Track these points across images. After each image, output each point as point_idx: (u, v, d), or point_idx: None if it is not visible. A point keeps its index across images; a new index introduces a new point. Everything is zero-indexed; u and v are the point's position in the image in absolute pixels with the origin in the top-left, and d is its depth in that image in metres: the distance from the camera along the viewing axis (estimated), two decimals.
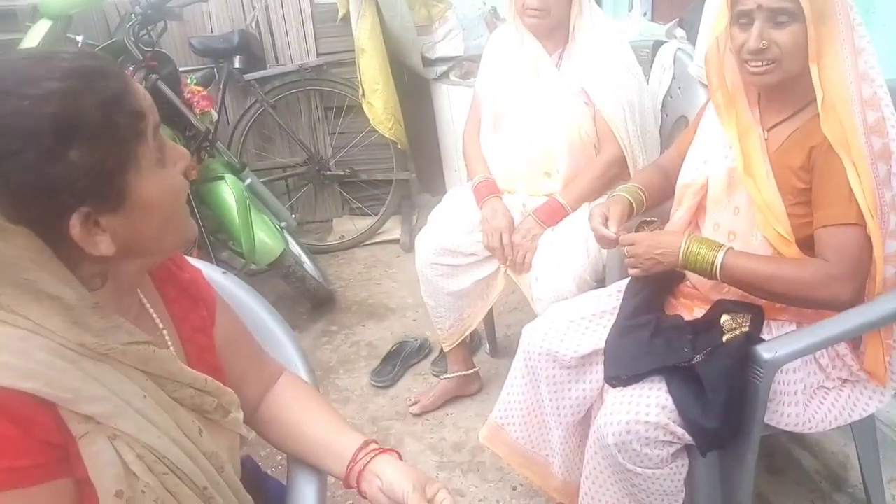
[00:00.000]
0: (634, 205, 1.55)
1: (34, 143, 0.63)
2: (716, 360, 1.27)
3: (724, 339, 1.30)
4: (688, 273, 1.45)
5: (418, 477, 0.87)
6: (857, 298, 1.24)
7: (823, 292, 1.21)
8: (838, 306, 1.24)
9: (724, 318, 1.33)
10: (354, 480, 0.91)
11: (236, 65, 3.02)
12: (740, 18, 1.24)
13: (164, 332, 0.85)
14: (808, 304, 1.28)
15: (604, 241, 1.50)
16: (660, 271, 1.40)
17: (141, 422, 0.72)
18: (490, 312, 2.22)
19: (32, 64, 0.67)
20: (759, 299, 1.33)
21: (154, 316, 0.84)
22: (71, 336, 0.68)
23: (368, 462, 0.90)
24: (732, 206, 1.37)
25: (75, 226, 0.66)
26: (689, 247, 1.32)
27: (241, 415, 0.88)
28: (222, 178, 2.44)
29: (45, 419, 0.66)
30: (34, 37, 2.49)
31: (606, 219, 1.49)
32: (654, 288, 1.47)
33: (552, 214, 1.89)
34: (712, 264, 1.29)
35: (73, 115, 0.64)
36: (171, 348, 0.84)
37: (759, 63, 1.23)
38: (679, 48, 2.12)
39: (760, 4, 1.19)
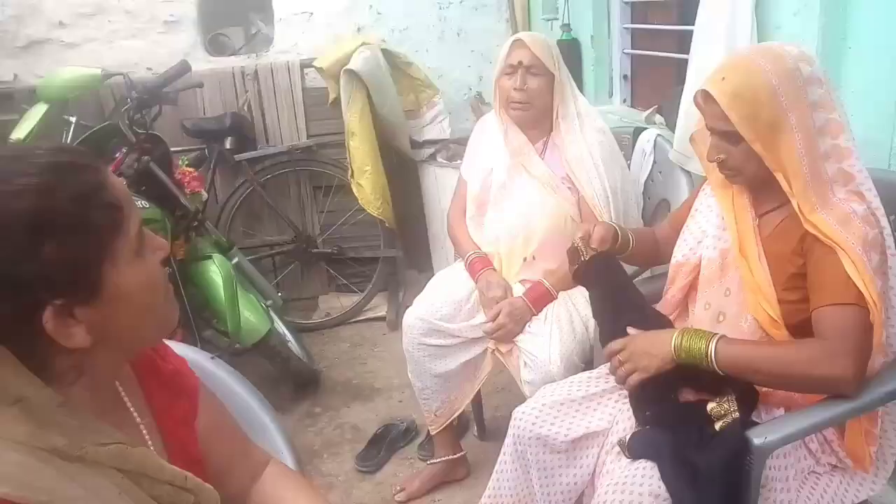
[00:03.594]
0: (620, 237, 1.51)
1: (7, 239, 0.63)
2: (711, 450, 1.25)
3: (718, 426, 1.27)
4: None
5: None
6: (861, 378, 1.20)
7: (824, 369, 1.17)
8: (842, 385, 1.19)
9: (710, 405, 1.30)
10: None
11: (227, 146, 3.08)
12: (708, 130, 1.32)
13: (142, 425, 0.83)
14: (810, 384, 1.23)
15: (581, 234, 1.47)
16: (657, 369, 1.32)
17: None
18: (478, 394, 2.19)
19: (6, 161, 0.68)
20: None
21: (132, 409, 0.83)
22: (40, 442, 0.66)
23: None
24: (724, 288, 1.38)
25: (49, 320, 0.65)
26: (680, 341, 1.28)
27: None
28: (210, 257, 2.44)
29: None
30: (31, 119, 2.55)
31: (589, 235, 1.46)
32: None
33: (539, 299, 1.90)
34: (706, 354, 1.25)
35: (47, 210, 0.65)
36: (150, 442, 0.82)
37: (724, 170, 1.32)
38: (659, 134, 2.20)
39: (713, 128, 1.28)
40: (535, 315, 1.90)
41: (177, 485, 0.77)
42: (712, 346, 1.25)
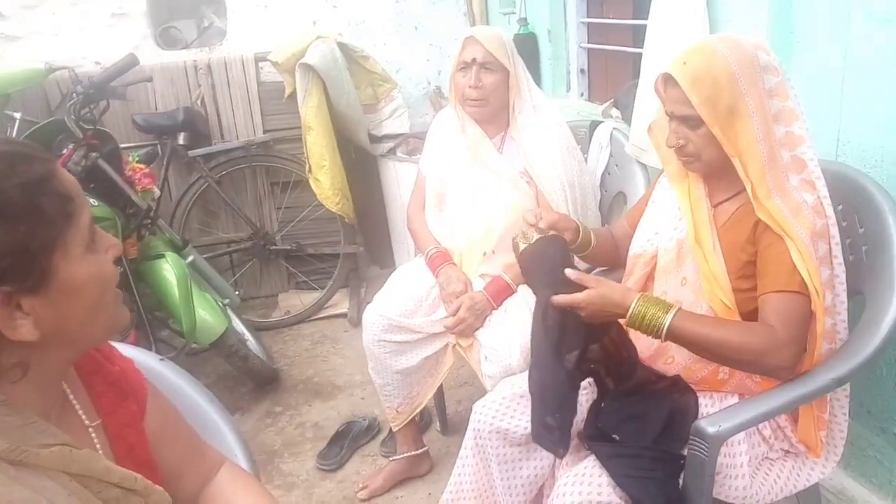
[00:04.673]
0: (581, 234, 1.50)
1: None
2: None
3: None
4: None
5: None
6: (797, 366, 1.25)
7: (772, 359, 1.20)
8: (782, 373, 1.25)
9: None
10: None
11: (180, 141, 3.00)
12: (668, 117, 1.34)
13: (91, 428, 0.81)
14: (754, 369, 1.28)
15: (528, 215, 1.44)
16: (600, 320, 1.33)
17: None
18: (440, 388, 2.18)
19: None
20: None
21: (80, 412, 0.81)
22: None
23: None
24: (680, 277, 1.40)
25: None
26: (637, 309, 1.26)
27: None
28: (163, 256, 2.38)
29: None
30: None
31: (539, 218, 1.43)
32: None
33: (499, 293, 1.90)
34: (659, 327, 1.25)
35: None
36: (98, 445, 0.80)
37: (683, 156, 1.34)
38: (615, 128, 2.21)
39: (673, 112, 1.31)
40: (495, 309, 1.90)
41: (126, 486, 0.76)
42: (668, 318, 1.24)
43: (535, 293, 1.43)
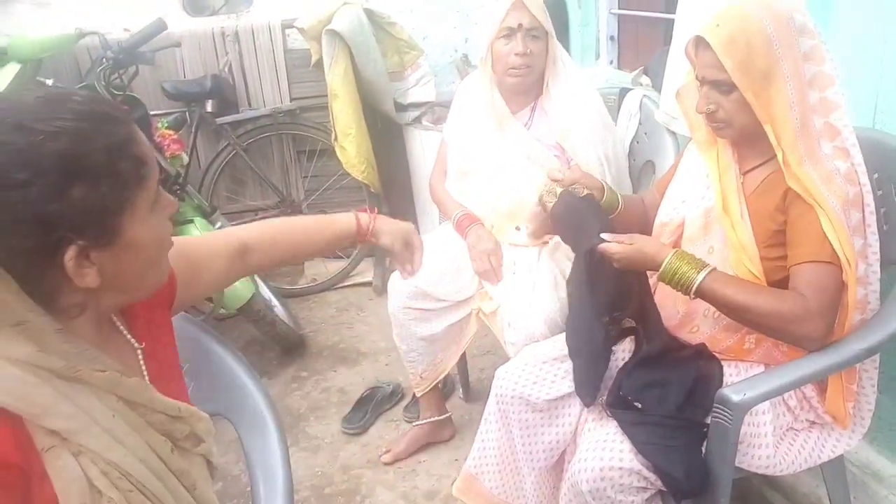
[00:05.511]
0: (606, 193, 1.49)
1: (41, 177, 0.67)
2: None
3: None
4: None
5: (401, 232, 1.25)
6: (828, 337, 1.23)
7: (801, 328, 1.19)
8: (811, 343, 1.23)
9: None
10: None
11: (208, 108, 3.02)
12: (698, 82, 1.31)
13: (139, 350, 0.87)
14: (782, 336, 1.26)
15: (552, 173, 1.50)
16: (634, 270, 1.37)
17: (107, 439, 0.74)
18: (463, 356, 2.20)
19: (46, 102, 0.71)
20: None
21: (129, 336, 0.87)
22: (39, 362, 0.69)
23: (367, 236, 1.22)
24: (707, 246, 1.38)
25: (71, 258, 0.70)
26: (671, 263, 1.27)
27: (213, 445, 0.90)
28: (191, 221, 2.42)
29: (4, 435, 0.67)
30: (2, 80, 2.48)
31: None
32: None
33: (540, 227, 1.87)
34: (690, 283, 1.25)
35: (81, 155, 0.69)
36: (143, 367, 0.87)
37: (713, 122, 1.31)
38: (645, 95, 2.17)
39: (705, 76, 1.27)
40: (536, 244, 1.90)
41: (170, 415, 0.82)
42: (700, 276, 1.24)
43: (572, 249, 1.47)
